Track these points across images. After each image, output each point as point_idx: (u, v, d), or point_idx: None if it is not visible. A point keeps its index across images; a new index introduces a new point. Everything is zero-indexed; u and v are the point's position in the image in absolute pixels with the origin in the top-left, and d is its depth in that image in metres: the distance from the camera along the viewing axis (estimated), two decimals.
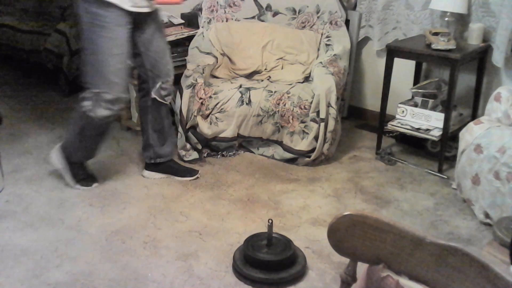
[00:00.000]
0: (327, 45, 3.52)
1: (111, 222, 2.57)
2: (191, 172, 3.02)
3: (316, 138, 3.11)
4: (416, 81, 3.45)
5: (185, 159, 3.21)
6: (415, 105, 3.21)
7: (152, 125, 2.94)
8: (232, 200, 2.78)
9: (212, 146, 3.31)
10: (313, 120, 3.10)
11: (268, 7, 3.73)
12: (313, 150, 3.13)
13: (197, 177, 3.00)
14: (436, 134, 3.08)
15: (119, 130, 3.75)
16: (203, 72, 3.32)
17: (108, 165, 3.19)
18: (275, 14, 3.72)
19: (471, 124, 2.73)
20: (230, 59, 3.60)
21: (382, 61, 3.30)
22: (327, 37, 3.55)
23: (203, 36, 3.64)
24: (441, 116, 3.05)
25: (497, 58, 3.07)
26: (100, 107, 2.60)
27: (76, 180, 2.88)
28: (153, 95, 2.82)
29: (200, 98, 3.23)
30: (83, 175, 2.92)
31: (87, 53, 2.55)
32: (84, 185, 2.89)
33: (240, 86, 3.26)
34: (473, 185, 2.60)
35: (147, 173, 3.05)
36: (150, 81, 2.80)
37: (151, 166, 3.03)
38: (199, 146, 3.28)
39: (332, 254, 2.28)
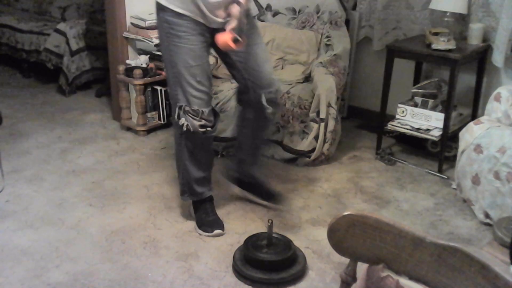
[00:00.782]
0: (327, 45, 3.52)
1: (111, 222, 2.57)
2: (276, 198, 2.72)
3: (316, 138, 3.10)
4: (416, 81, 3.45)
5: None
6: (415, 105, 3.21)
7: (249, 140, 2.65)
8: (232, 200, 2.78)
9: None
10: (313, 120, 3.10)
11: (268, 7, 3.73)
12: (313, 150, 3.13)
13: (282, 208, 2.70)
14: (436, 134, 3.08)
15: (119, 130, 3.75)
16: None
17: (108, 165, 3.19)
18: (275, 14, 3.72)
19: (471, 124, 2.73)
20: None
21: (382, 61, 3.29)
22: (327, 37, 3.55)
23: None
24: (441, 116, 3.04)
25: (497, 58, 3.07)
26: (192, 120, 2.31)
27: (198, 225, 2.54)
28: (255, 107, 2.49)
29: None
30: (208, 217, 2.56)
31: (166, 65, 2.37)
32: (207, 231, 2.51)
33: None
34: (473, 185, 2.60)
35: (238, 189, 2.80)
36: (250, 92, 2.47)
37: (241, 183, 2.78)
38: None
39: (332, 254, 2.28)
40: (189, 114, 2.30)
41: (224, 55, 2.44)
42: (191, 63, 2.27)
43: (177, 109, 2.33)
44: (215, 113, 2.41)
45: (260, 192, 2.72)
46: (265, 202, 2.71)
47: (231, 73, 2.53)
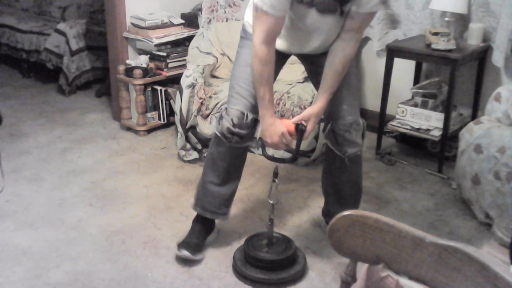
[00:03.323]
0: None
1: (111, 222, 2.57)
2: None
3: (316, 138, 3.10)
4: (416, 81, 3.45)
5: (185, 159, 3.21)
6: (415, 105, 3.21)
7: (324, 174, 2.43)
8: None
9: None
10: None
11: None
12: (313, 150, 3.13)
13: None
14: (436, 134, 3.08)
15: (119, 130, 3.75)
16: (203, 72, 3.32)
17: (108, 165, 3.19)
18: None
19: (471, 124, 2.73)
20: (230, 59, 3.59)
21: (382, 61, 3.29)
22: None
23: (203, 36, 3.64)
24: (441, 116, 3.04)
25: (497, 58, 3.07)
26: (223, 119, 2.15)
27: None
28: (324, 138, 2.29)
29: (200, 98, 3.23)
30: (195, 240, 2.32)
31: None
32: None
33: None
34: (473, 185, 2.60)
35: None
36: (325, 121, 2.25)
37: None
38: (199, 146, 3.28)
39: (332, 254, 2.28)
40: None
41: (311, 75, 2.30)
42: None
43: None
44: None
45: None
46: None
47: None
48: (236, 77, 2.17)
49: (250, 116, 2.11)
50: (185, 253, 2.21)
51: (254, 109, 2.10)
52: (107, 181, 2.99)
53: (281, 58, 2.15)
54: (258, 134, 2.18)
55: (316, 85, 2.24)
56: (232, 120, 2.10)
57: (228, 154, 2.21)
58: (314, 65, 2.23)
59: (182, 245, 2.26)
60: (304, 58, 2.27)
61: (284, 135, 2.05)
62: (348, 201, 2.33)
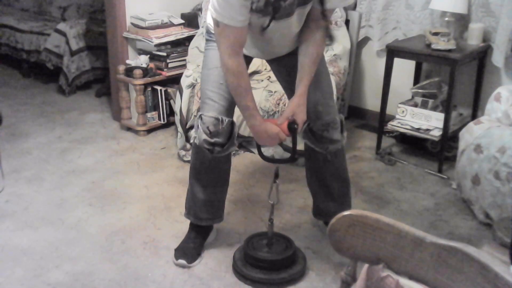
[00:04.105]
0: (327, 45, 3.52)
1: (111, 222, 2.57)
2: None
3: None
4: (416, 81, 3.45)
5: (185, 159, 3.21)
6: (415, 105, 3.21)
7: (309, 173, 2.39)
8: (232, 200, 2.77)
9: None
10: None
11: None
12: None
13: None
14: (436, 134, 3.08)
15: (119, 130, 3.75)
16: None
17: (108, 165, 3.19)
18: None
19: (471, 124, 2.73)
20: None
21: (382, 61, 3.29)
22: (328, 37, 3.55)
23: (203, 36, 3.63)
24: (441, 116, 3.04)
25: (497, 58, 3.07)
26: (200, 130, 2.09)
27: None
28: (302, 138, 2.22)
29: (200, 98, 3.22)
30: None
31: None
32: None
33: None
34: (473, 185, 2.60)
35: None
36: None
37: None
38: None
39: (332, 254, 2.28)
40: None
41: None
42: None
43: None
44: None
45: None
46: None
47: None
48: (205, 81, 2.11)
49: (226, 120, 2.05)
50: (181, 261, 2.22)
51: (228, 112, 2.07)
52: (107, 181, 2.99)
53: (246, 60, 2.08)
54: (236, 137, 2.14)
55: (284, 84, 2.24)
56: (208, 128, 2.04)
57: (211, 164, 2.15)
58: (280, 65, 2.21)
59: (178, 252, 2.26)
60: (270, 60, 2.25)
61: (279, 136, 2.02)
62: (337, 195, 2.32)
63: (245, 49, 2.00)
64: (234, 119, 2.13)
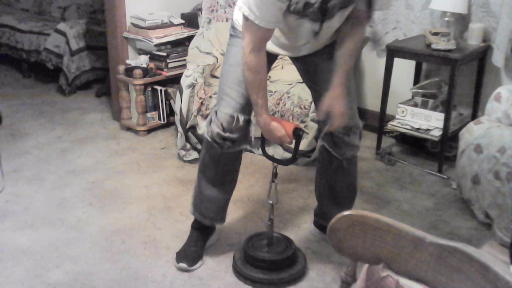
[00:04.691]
0: None
1: (111, 222, 2.57)
2: None
3: (316, 138, 3.10)
4: (416, 81, 3.45)
5: (185, 159, 3.21)
6: (415, 105, 3.21)
7: (319, 176, 2.36)
8: (232, 200, 2.75)
9: None
10: (313, 120, 3.10)
11: None
12: (313, 150, 3.13)
13: None
14: (436, 134, 3.08)
15: (119, 130, 3.75)
16: (203, 72, 3.31)
17: (108, 165, 3.19)
18: None
19: (471, 124, 2.73)
20: None
21: (382, 61, 3.29)
22: None
23: (203, 36, 3.64)
24: (441, 116, 3.04)
25: (497, 58, 3.07)
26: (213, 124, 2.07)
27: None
28: (321, 140, 2.20)
29: (200, 98, 3.23)
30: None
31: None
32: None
33: None
34: (473, 185, 2.60)
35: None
36: (321, 123, 2.12)
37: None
38: (199, 146, 3.28)
39: (332, 254, 2.28)
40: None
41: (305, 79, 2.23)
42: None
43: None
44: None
45: None
46: None
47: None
48: (225, 77, 2.09)
49: (241, 118, 2.03)
50: (182, 265, 2.21)
51: (245, 110, 2.04)
52: (107, 181, 2.99)
53: (271, 58, 2.08)
54: (253, 134, 2.14)
55: (309, 84, 2.21)
56: (221, 124, 2.02)
57: (221, 160, 2.13)
58: (306, 64, 2.17)
59: (180, 256, 2.25)
60: (295, 58, 2.19)
61: (282, 139, 2.01)
62: (344, 202, 2.30)
63: (274, 46, 2.00)
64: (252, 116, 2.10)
